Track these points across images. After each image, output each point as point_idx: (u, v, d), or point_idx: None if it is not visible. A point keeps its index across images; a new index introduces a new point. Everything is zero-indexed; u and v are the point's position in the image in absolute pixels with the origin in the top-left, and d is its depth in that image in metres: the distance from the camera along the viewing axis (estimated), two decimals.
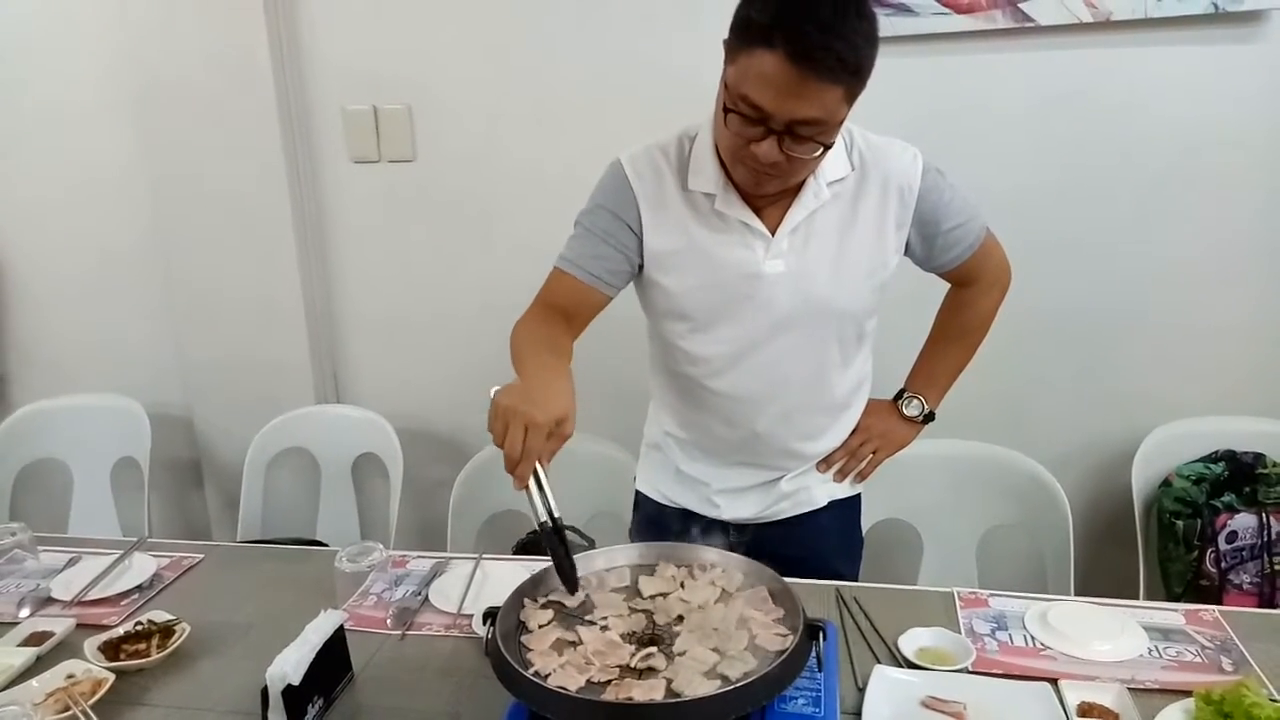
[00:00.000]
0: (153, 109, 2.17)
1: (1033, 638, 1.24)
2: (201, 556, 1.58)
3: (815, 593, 1.37)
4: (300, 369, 2.26)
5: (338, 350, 2.33)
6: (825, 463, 1.50)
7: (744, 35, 1.12)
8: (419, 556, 1.53)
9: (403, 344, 2.28)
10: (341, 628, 1.19)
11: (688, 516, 1.52)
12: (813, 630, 1.01)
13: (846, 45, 1.08)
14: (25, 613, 1.38)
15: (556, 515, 1.04)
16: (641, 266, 1.36)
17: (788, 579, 1.13)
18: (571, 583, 1.09)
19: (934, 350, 1.57)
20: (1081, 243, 1.96)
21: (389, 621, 1.34)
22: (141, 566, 1.51)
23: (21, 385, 2.50)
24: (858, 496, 1.57)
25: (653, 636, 1.05)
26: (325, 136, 2.18)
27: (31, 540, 1.53)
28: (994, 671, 1.16)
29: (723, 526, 1.50)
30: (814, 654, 1.00)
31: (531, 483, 1.02)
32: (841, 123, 1.17)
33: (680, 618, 1.08)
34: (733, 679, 0.95)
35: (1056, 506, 1.71)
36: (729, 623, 1.05)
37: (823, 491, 1.50)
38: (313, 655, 1.11)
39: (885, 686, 1.12)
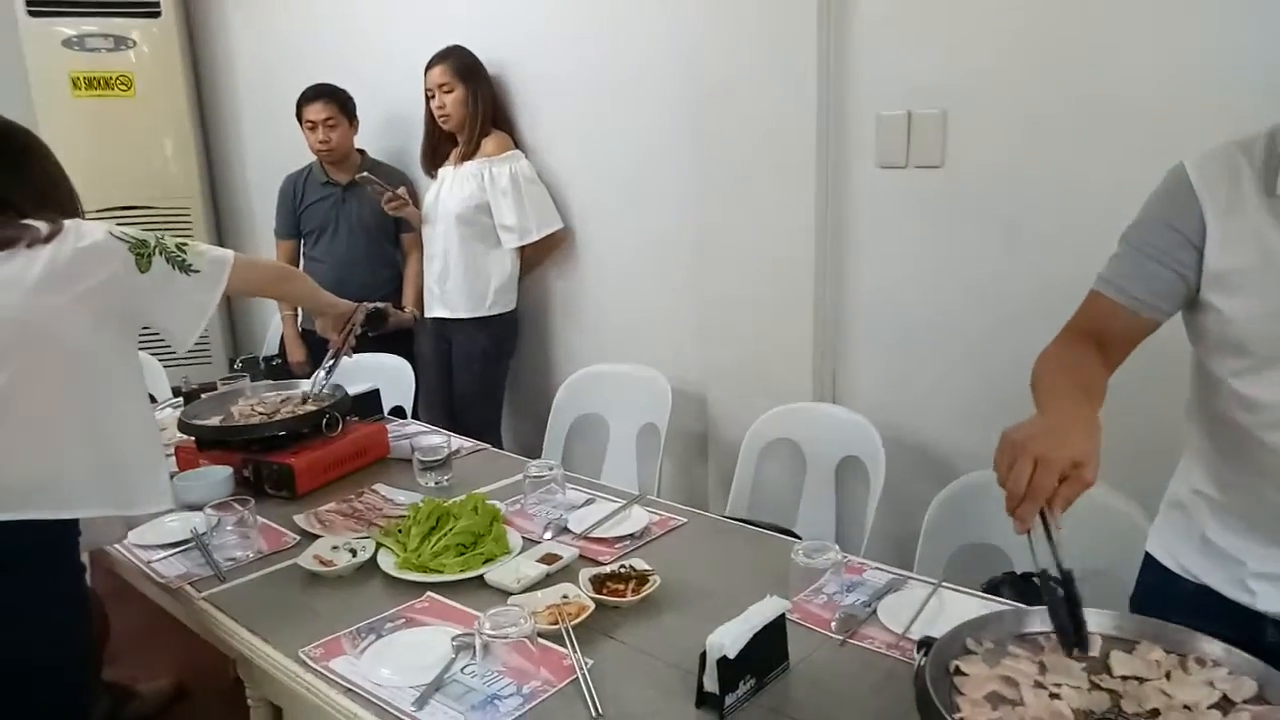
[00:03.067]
0: (710, 106, 2.41)
1: None
2: (686, 520, 1.73)
3: None
4: (802, 364, 2.34)
5: (840, 350, 2.37)
6: None
7: None
8: (876, 568, 1.49)
9: (905, 351, 2.23)
10: (783, 616, 1.22)
11: (1209, 596, 1.24)
12: None
13: None
14: (548, 535, 1.66)
15: (1065, 567, 0.94)
16: (1199, 288, 1.16)
17: None
18: (1081, 642, 0.96)
19: None
20: None
21: (833, 625, 1.33)
22: (637, 517, 1.71)
23: (592, 348, 3.00)
24: None
25: None
26: (856, 141, 2.22)
27: (562, 477, 1.82)
28: None
29: (1257, 619, 1.20)
30: None
31: (1037, 528, 0.92)
32: None
33: (1155, 713, 0.89)
34: None
35: None
36: None
37: None
38: (750, 634, 1.15)
39: None
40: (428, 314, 3.08)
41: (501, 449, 2.48)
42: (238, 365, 2.98)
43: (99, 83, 3.88)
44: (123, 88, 3.92)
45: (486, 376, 3.06)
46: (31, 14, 3.76)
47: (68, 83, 3.82)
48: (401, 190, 3.04)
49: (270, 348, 3.72)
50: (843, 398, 2.36)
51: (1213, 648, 0.96)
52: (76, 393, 1.44)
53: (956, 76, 2.03)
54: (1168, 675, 0.94)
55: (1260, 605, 1.19)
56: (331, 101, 3.11)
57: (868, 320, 2.31)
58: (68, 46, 3.82)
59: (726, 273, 2.48)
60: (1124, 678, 0.94)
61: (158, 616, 1.69)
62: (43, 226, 1.44)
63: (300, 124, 3.16)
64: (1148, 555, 1.36)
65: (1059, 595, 0.95)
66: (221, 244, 4.38)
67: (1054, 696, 0.92)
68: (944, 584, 1.40)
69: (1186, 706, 0.89)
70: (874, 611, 1.35)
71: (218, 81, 4.25)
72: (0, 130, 1.54)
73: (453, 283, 2.96)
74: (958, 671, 0.96)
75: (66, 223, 1.46)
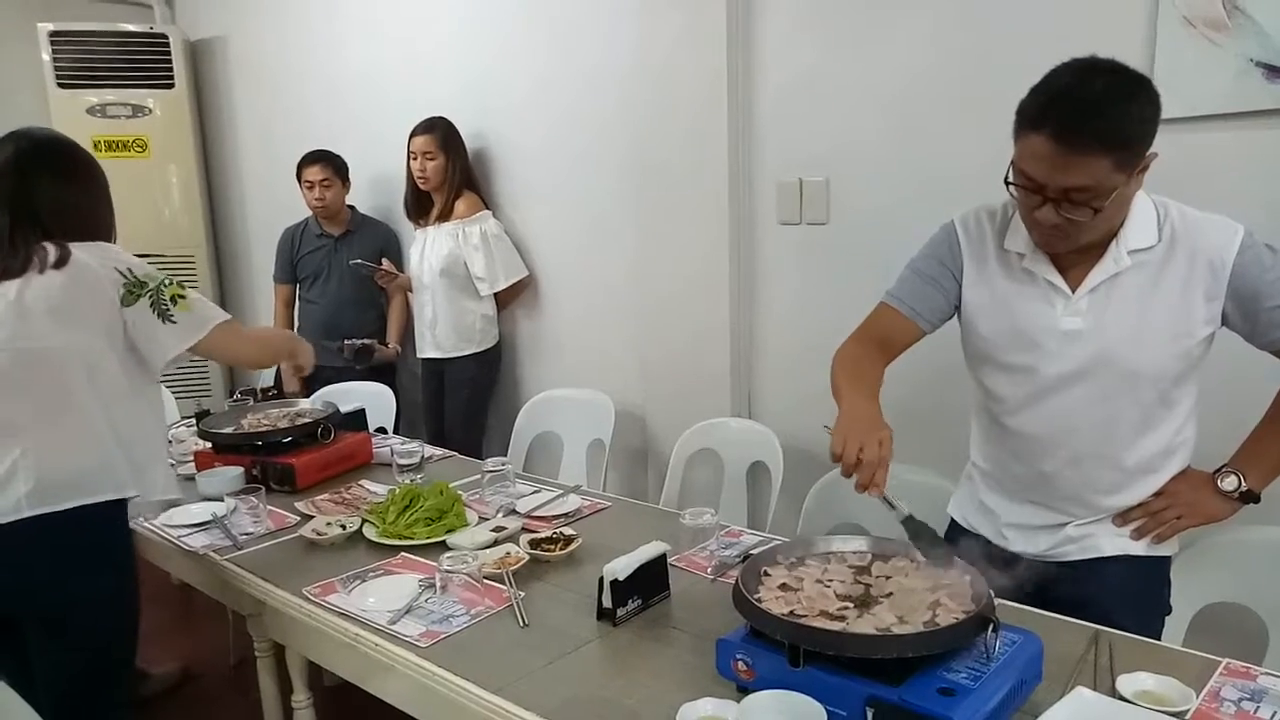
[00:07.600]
0: (646, 175, 2.90)
1: None
2: (610, 504, 2.16)
3: (1070, 628, 1.45)
4: (722, 385, 2.79)
5: (753, 373, 2.82)
6: (1123, 518, 1.56)
7: (1021, 121, 1.36)
8: (750, 533, 1.92)
9: (802, 373, 2.68)
10: (664, 555, 1.64)
11: (985, 544, 1.67)
12: (982, 621, 1.18)
13: (1108, 124, 1.27)
14: (500, 514, 2.08)
15: (907, 512, 1.36)
16: (959, 310, 1.61)
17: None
18: (939, 555, 1.35)
19: (1267, 428, 1.53)
20: None
21: (709, 570, 1.75)
22: (571, 501, 2.13)
23: (547, 374, 3.45)
24: (1163, 560, 1.58)
25: (860, 600, 1.31)
26: (761, 202, 2.69)
27: (512, 472, 2.24)
28: None
29: (1013, 557, 1.62)
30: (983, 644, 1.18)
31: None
32: (1115, 189, 1.31)
33: (891, 594, 1.32)
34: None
35: None
36: (923, 602, 1.27)
37: (1112, 543, 1.56)
38: (636, 565, 1.57)
39: (1076, 705, 1.21)
40: (421, 355, 3.52)
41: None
42: (237, 396, 3.38)
43: (118, 145, 4.36)
44: (139, 149, 4.40)
45: (473, 402, 3.50)
46: (61, 86, 4.25)
47: (90, 145, 4.25)
48: (386, 264, 3.50)
49: (265, 380, 4.13)
50: (757, 413, 2.80)
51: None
52: (98, 400, 1.75)
53: (836, 151, 2.51)
54: (907, 575, 1.36)
55: (1012, 547, 1.63)
56: (328, 165, 3.58)
57: (773, 349, 2.76)
58: (91, 114, 4.30)
59: (660, 312, 2.94)
60: (877, 576, 1.37)
61: (167, 612, 2.01)
62: (51, 251, 1.69)
63: (299, 183, 3.62)
64: (950, 516, 1.80)
65: (914, 529, 1.34)
66: (222, 287, 4.84)
67: (826, 585, 1.34)
68: None
69: (912, 590, 1.31)
70: (743, 560, 1.77)
71: (222, 145, 4.74)
72: (63, 146, 1.82)
73: (441, 327, 3.42)
74: (764, 573, 1.39)
75: (74, 247, 1.72)
